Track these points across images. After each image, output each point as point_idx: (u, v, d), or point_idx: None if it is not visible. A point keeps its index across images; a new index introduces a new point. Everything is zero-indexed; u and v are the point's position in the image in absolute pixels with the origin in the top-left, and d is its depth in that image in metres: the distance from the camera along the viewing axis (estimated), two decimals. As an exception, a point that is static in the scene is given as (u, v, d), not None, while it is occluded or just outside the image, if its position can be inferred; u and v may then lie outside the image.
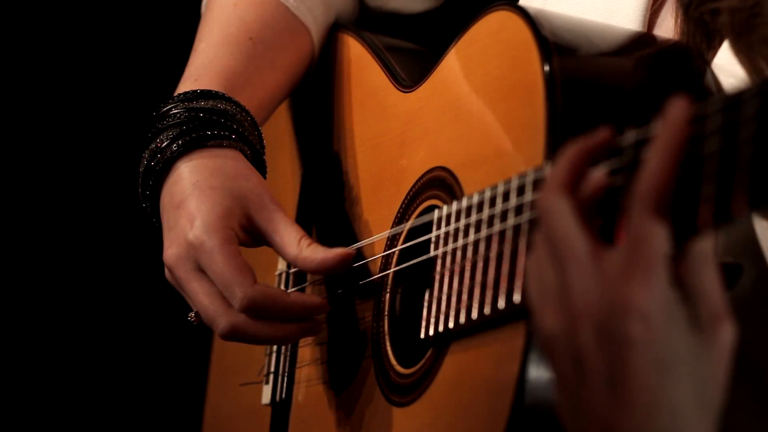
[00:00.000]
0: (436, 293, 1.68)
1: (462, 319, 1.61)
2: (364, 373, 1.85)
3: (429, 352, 1.70)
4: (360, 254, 1.88)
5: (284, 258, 1.87)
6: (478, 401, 1.60)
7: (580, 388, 1.30)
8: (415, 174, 1.82)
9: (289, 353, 2.03)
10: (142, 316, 3.06)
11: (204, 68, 1.95)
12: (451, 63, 1.80)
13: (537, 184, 1.51)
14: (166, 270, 1.86)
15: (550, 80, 1.57)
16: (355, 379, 1.87)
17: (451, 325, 1.64)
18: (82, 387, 3.08)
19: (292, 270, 1.98)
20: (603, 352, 1.27)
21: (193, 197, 1.82)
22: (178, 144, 1.85)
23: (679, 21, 1.71)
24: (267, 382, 2.05)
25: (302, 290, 1.99)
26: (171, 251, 1.82)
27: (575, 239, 1.30)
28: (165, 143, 1.86)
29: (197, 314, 1.84)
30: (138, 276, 3.00)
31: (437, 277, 1.68)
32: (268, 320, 1.79)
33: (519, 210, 1.54)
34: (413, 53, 2.03)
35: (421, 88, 1.86)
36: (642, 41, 1.71)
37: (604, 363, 1.27)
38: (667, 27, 1.75)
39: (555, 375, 1.34)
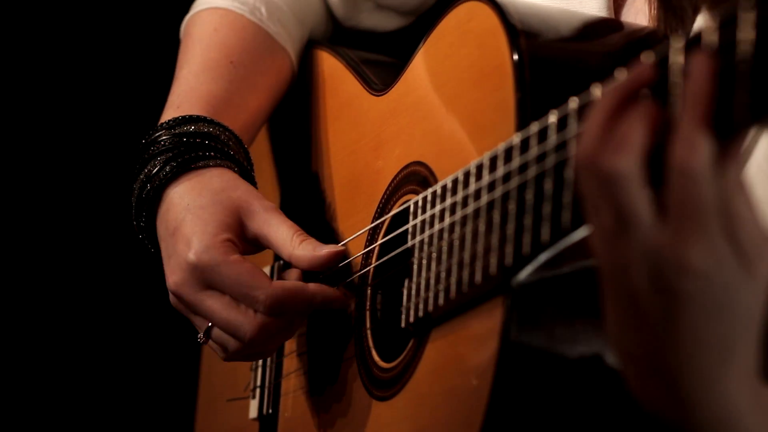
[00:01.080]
0: (414, 280, 1.68)
1: (441, 301, 1.61)
2: (348, 372, 1.85)
3: (410, 343, 1.70)
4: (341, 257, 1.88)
5: (283, 258, 1.87)
6: (460, 384, 1.59)
7: (633, 329, 1.30)
8: (392, 172, 1.83)
9: (274, 365, 2.02)
10: (132, 333, 3.04)
11: (186, 95, 1.97)
12: (422, 60, 1.82)
13: (508, 154, 1.52)
14: (171, 297, 1.86)
15: (518, 60, 1.59)
16: (339, 380, 1.87)
17: (430, 308, 1.64)
18: (71, 402, 3.05)
19: (278, 263, 1.97)
20: (658, 300, 1.27)
21: (186, 221, 1.83)
22: (165, 171, 1.86)
23: (652, 6, 1.73)
24: (254, 397, 2.04)
25: None
26: (174, 278, 1.82)
27: (637, 201, 1.28)
28: (154, 171, 1.87)
29: (207, 333, 1.84)
30: (130, 290, 2.99)
31: (415, 264, 1.68)
32: (291, 316, 1.80)
33: (492, 186, 1.54)
34: (387, 64, 2.05)
35: (393, 89, 1.88)
36: (609, 25, 1.73)
37: (659, 309, 1.28)
38: (636, 10, 1.77)
39: (608, 311, 1.33)
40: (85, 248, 3.03)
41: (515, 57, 1.59)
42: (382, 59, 2.09)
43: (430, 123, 1.76)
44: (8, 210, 3.02)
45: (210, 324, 1.83)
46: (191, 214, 1.83)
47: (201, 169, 1.87)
